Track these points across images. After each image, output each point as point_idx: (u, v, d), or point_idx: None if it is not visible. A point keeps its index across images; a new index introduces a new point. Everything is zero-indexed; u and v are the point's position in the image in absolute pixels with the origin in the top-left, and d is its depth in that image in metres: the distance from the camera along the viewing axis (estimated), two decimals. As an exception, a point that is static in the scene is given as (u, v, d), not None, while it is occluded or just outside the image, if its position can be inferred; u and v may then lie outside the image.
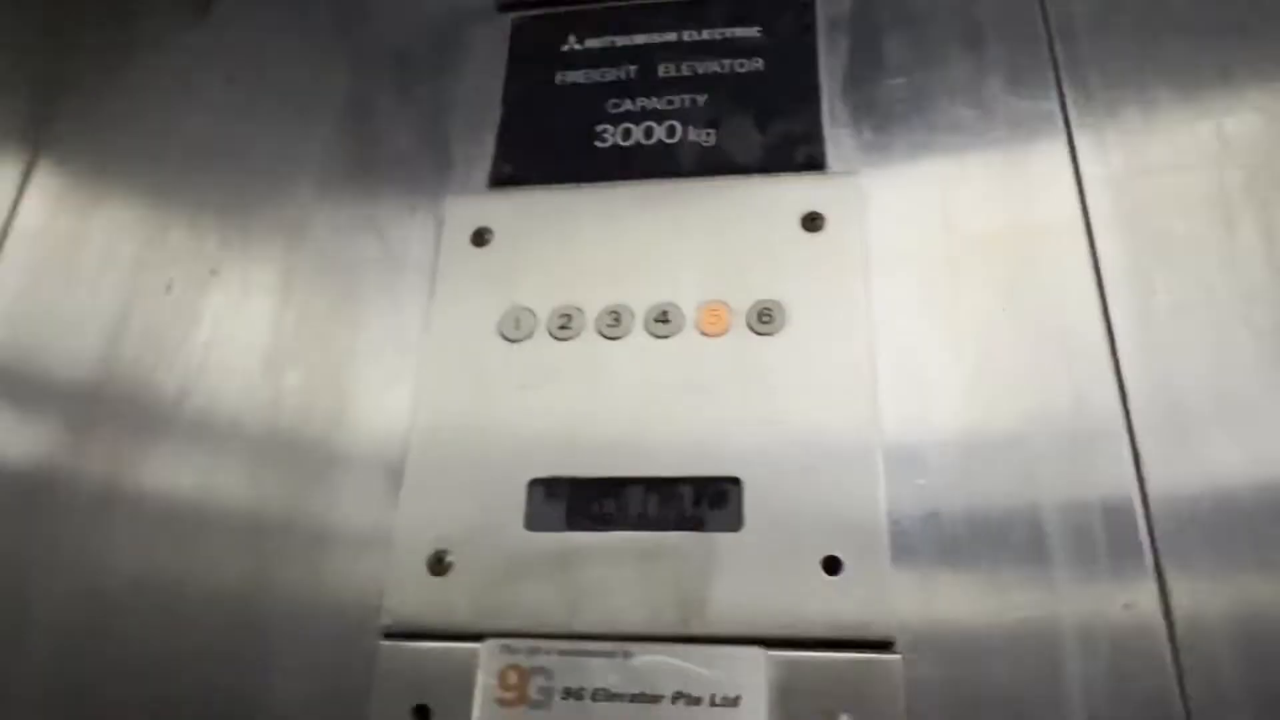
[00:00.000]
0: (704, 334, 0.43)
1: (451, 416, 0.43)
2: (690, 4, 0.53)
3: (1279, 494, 0.37)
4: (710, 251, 0.45)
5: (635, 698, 0.36)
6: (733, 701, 0.35)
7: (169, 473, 0.46)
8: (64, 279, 0.52)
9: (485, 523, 0.40)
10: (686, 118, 0.50)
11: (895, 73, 0.50)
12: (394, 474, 0.43)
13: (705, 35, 0.52)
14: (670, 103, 0.51)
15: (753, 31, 0.51)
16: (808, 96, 0.50)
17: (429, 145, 0.52)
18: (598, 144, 0.50)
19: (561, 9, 0.54)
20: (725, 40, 0.52)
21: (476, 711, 0.37)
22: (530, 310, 0.45)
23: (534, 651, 0.37)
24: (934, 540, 0.39)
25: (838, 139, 0.49)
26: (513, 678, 0.37)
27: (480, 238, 0.48)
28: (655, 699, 0.36)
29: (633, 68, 0.52)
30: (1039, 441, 0.40)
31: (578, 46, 0.53)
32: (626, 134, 0.50)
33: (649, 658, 0.37)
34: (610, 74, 0.52)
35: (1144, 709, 0.35)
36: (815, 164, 0.47)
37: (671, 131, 0.50)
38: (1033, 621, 0.37)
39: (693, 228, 0.46)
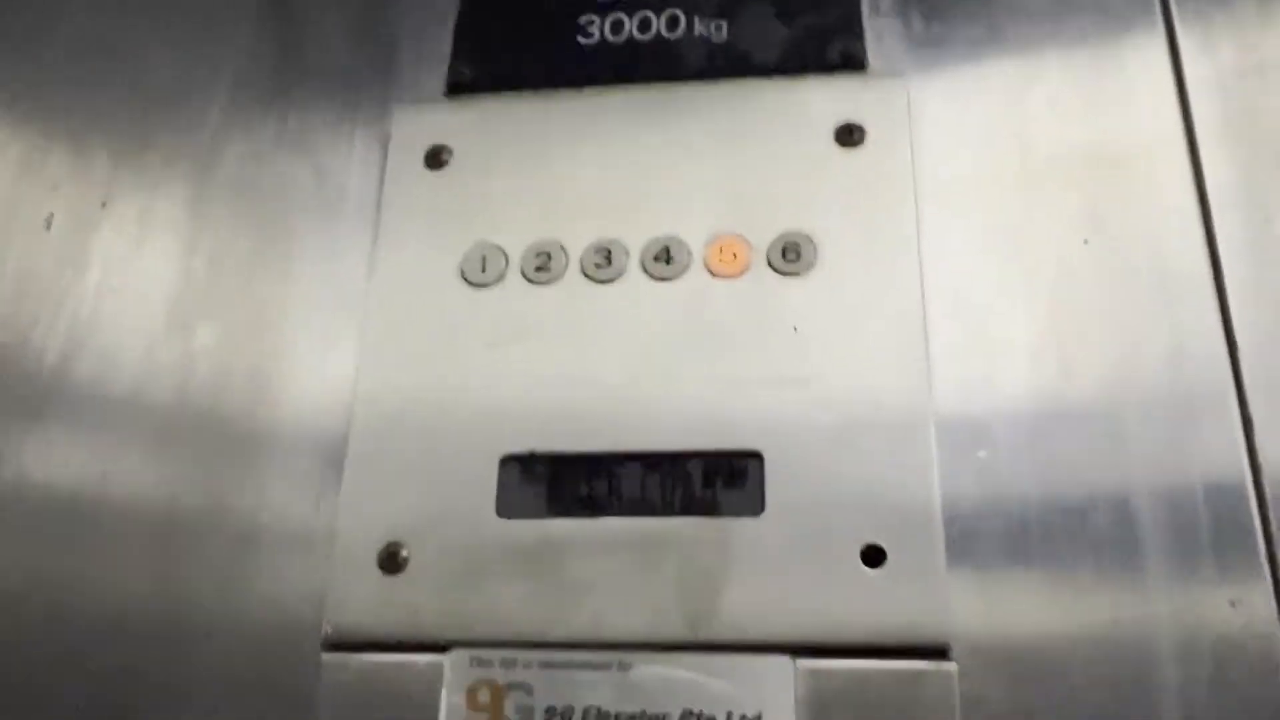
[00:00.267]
0: (716, 275, 0.42)
1: (404, 381, 0.42)
2: None
3: None
4: (723, 174, 0.44)
5: (635, 718, 0.36)
6: (753, 721, 0.35)
7: (51, 456, 0.45)
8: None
9: (448, 509, 0.40)
10: (691, 6, 0.49)
11: (954, -54, 0.49)
12: (335, 453, 0.42)
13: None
14: (672, -14, 0.49)
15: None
16: (843, -24, 0.49)
17: (369, 43, 0.51)
18: (581, 39, 0.49)
19: None
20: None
21: (441, 737, 0.37)
22: (499, 248, 0.44)
23: (510, 664, 0.37)
24: (998, 527, 0.38)
25: (880, 32, 0.48)
26: (484, 695, 0.37)
27: (436, 158, 0.47)
28: (659, 719, 0.36)
29: (624, -60, 0.51)
30: (1128, 408, 0.39)
31: (555, -85, 0.52)
32: (617, 26, 0.49)
33: (651, 670, 0.36)
34: (596, -51, 0.51)
35: (1253, 728, 0.35)
36: (853, 63, 0.46)
37: (673, 23, 0.49)
38: (1118, 625, 0.36)
39: (701, 145, 0.45)
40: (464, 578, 0.38)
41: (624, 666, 0.36)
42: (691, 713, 0.36)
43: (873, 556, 0.37)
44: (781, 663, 0.36)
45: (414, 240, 0.45)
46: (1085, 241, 0.42)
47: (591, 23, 0.49)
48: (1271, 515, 0.37)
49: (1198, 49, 0.45)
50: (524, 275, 0.44)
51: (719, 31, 0.48)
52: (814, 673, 0.36)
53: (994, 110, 0.45)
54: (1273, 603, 0.36)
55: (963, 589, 0.37)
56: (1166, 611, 0.36)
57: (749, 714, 0.35)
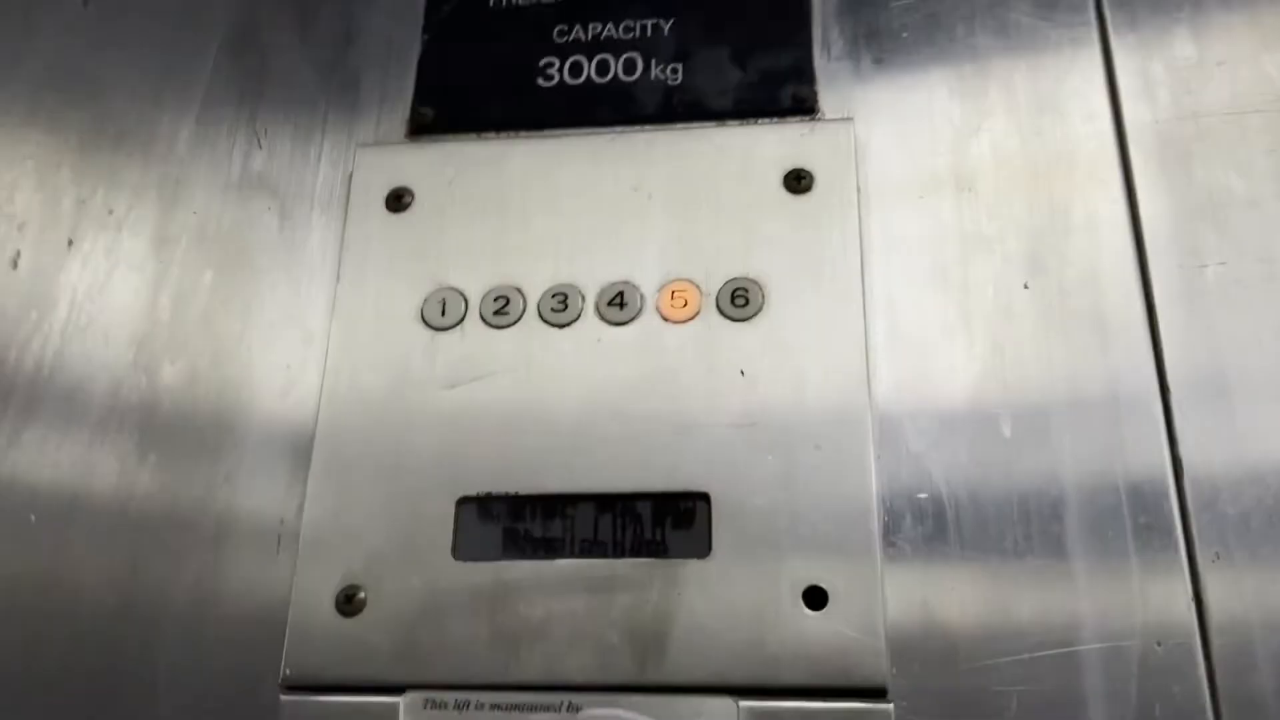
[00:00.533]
0: (667, 319, 0.43)
1: (364, 422, 0.43)
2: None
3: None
4: (675, 218, 0.45)
5: (584, 757, 0.37)
6: (699, 759, 0.36)
7: (13, 494, 0.45)
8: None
9: (405, 551, 0.41)
10: (648, 49, 0.50)
11: (903, -9, 0.50)
12: (295, 493, 0.43)
13: (671, -58, 0.52)
14: (629, 30, 0.50)
15: (729, -61, 0.51)
16: (797, 21, 0.50)
17: (333, 84, 0.52)
18: (541, 82, 0.50)
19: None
20: (696, -50, 0.51)
21: (397, 775, 0.38)
22: (459, 291, 0.45)
23: (463, 705, 0.38)
24: (938, 565, 0.40)
25: (831, 75, 0.49)
26: (440, 734, 0.38)
27: (397, 200, 0.47)
28: (607, 759, 0.37)
29: (583, -16, 0.52)
30: (1072, 450, 0.41)
31: (516, -42, 0.53)
32: (576, 69, 0.50)
33: (600, 711, 0.38)
34: (556, -8, 0.52)
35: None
36: (804, 107, 0.48)
37: (630, 66, 0.50)
38: (1051, 661, 0.38)
39: (655, 189, 0.46)
40: (420, 620, 0.39)
41: (574, 708, 0.38)
42: (638, 752, 0.37)
43: (815, 598, 0.38)
44: (725, 704, 0.37)
45: (375, 282, 0.46)
46: (1025, 285, 0.44)
47: (551, 65, 0.50)
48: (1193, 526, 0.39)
49: (1136, 92, 0.47)
50: (483, 319, 0.45)
51: (674, 75, 0.49)
52: (756, 713, 0.37)
53: (939, 152, 0.47)
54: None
55: (901, 629, 0.39)
56: (1095, 633, 0.38)
57: (694, 752, 0.37)
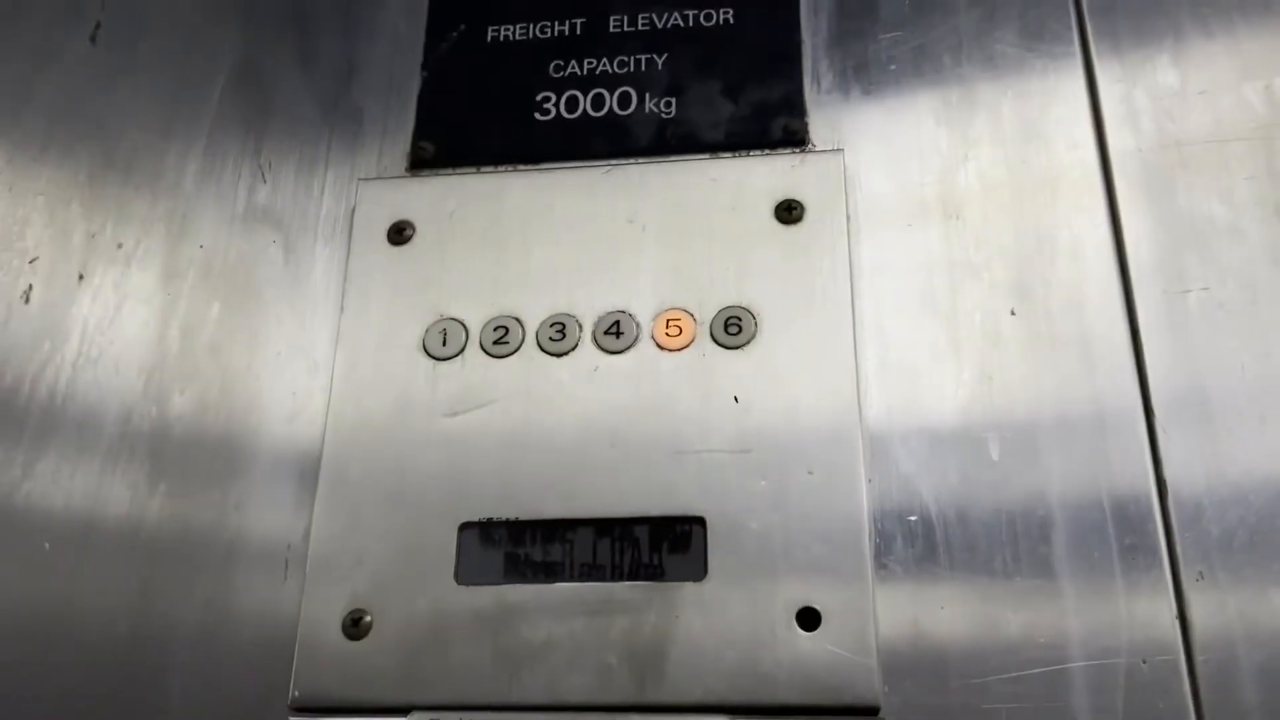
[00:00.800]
0: (662, 347, 0.45)
1: (368, 450, 0.45)
2: (646, -58, 0.54)
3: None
4: (670, 249, 0.47)
5: (584, 777, 0.38)
6: (697, 777, 0.38)
7: (31, 522, 0.47)
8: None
9: (409, 576, 0.42)
10: (642, 83, 0.52)
11: (891, 24, 0.52)
12: (301, 519, 0.45)
13: (665, -20, 0.53)
14: (623, 64, 0.52)
15: (721, -24, 0.53)
16: (787, 55, 0.51)
17: (335, 118, 0.54)
18: (538, 116, 0.52)
19: (492, -51, 0.56)
20: (689, -14, 0.53)
21: (403, 795, 0.39)
22: (460, 322, 0.47)
23: (467, 726, 0.40)
24: (928, 585, 0.41)
25: (822, 107, 0.50)
26: (444, 755, 0.39)
27: (399, 233, 0.49)
28: (607, 777, 0.38)
29: (579, 21, 0.54)
30: (1059, 472, 0.42)
31: (513, -6, 0.55)
32: (572, 103, 0.52)
33: (600, 731, 0.39)
34: (552, 28, 0.54)
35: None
36: (795, 139, 0.49)
37: (625, 100, 0.51)
38: (1039, 679, 0.39)
39: (649, 221, 0.47)
40: (424, 642, 0.41)
41: (574, 728, 0.39)
42: (637, 770, 0.38)
43: (808, 619, 0.40)
44: (720, 723, 0.38)
45: (378, 313, 0.48)
46: (1012, 312, 0.45)
47: (548, 99, 0.52)
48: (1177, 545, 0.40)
49: (1120, 125, 0.48)
50: (483, 348, 0.46)
51: (668, 108, 0.51)
52: (751, 731, 0.39)
53: (927, 182, 0.48)
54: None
55: (893, 647, 0.40)
56: (1082, 653, 0.39)
57: (691, 771, 0.38)
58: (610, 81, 0.52)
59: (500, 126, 0.51)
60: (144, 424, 0.48)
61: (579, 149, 0.50)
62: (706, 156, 0.49)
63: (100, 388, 0.50)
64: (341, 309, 0.48)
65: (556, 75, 0.52)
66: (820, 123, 0.50)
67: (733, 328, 0.45)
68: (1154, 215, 0.46)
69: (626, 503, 0.42)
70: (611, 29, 0.53)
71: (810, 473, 0.42)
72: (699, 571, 0.41)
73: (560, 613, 0.41)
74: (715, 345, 0.44)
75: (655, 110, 0.51)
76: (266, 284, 0.51)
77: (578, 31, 0.53)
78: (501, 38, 0.54)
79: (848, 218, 0.47)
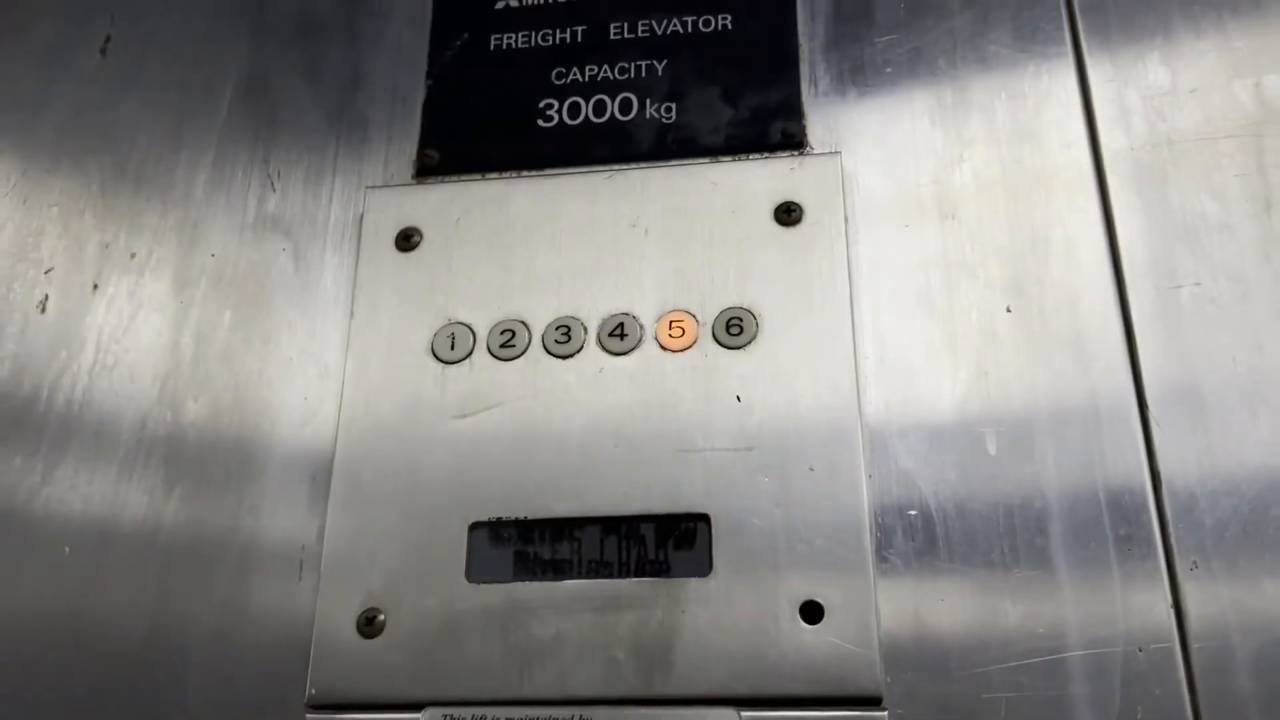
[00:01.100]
0: (665, 349, 0.46)
1: (379, 452, 0.46)
2: (645, -49, 0.55)
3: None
4: (672, 252, 0.48)
5: (594, 768, 0.40)
6: (704, 767, 0.39)
7: (47, 530, 0.48)
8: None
9: (421, 574, 0.43)
10: (643, 89, 0.53)
11: (886, 27, 0.53)
12: (315, 521, 0.46)
13: (664, -13, 0.55)
14: (624, 71, 0.53)
15: (719, -17, 0.54)
16: (785, 59, 0.52)
17: (342, 127, 0.55)
18: (541, 123, 0.53)
19: (494, -41, 0.57)
20: (687, -8, 0.54)
21: (418, 788, 0.40)
22: (467, 326, 0.48)
23: (480, 720, 0.41)
24: (929, 578, 0.42)
25: (819, 110, 0.52)
26: (458, 749, 0.41)
27: (406, 240, 0.50)
28: (616, 769, 0.39)
29: (580, 28, 0.55)
30: (1055, 465, 0.43)
31: (514, 3, 0.56)
32: (574, 110, 0.53)
33: (608, 723, 0.40)
34: (554, 36, 0.55)
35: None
36: (794, 142, 0.50)
37: (626, 106, 0.52)
38: (1038, 668, 0.40)
39: (651, 224, 0.49)
40: (437, 640, 0.42)
41: (584, 720, 0.40)
42: (646, 761, 0.39)
43: (811, 612, 0.41)
44: (727, 715, 0.40)
45: (387, 318, 0.49)
46: (1008, 309, 0.46)
47: (550, 106, 0.53)
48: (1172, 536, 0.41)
49: (1113, 124, 0.49)
50: (490, 351, 0.47)
51: (668, 114, 0.52)
52: (757, 723, 0.40)
53: (924, 182, 0.49)
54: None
55: (895, 640, 0.41)
56: (1080, 641, 0.40)
57: (699, 761, 0.39)
58: (611, 88, 0.53)
59: (504, 134, 0.53)
60: (159, 430, 0.50)
61: (582, 155, 0.51)
62: (706, 161, 0.50)
63: (116, 395, 0.51)
64: (351, 315, 0.49)
65: (559, 82, 0.53)
66: (818, 125, 0.51)
67: (734, 328, 0.46)
68: (1146, 212, 0.47)
69: (632, 501, 0.44)
70: (612, 36, 0.54)
71: (812, 469, 0.43)
72: (704, 567, 0.42)
73: (569, 609, 0.42)
74: (717, 346, 0.45)
75: (656, 115, 0.52)
76: (277, 291, 0.52)
77: (579, 39, 0.54)
78: (504, 46, 0.55)
79: (845, 219, 0.48)
